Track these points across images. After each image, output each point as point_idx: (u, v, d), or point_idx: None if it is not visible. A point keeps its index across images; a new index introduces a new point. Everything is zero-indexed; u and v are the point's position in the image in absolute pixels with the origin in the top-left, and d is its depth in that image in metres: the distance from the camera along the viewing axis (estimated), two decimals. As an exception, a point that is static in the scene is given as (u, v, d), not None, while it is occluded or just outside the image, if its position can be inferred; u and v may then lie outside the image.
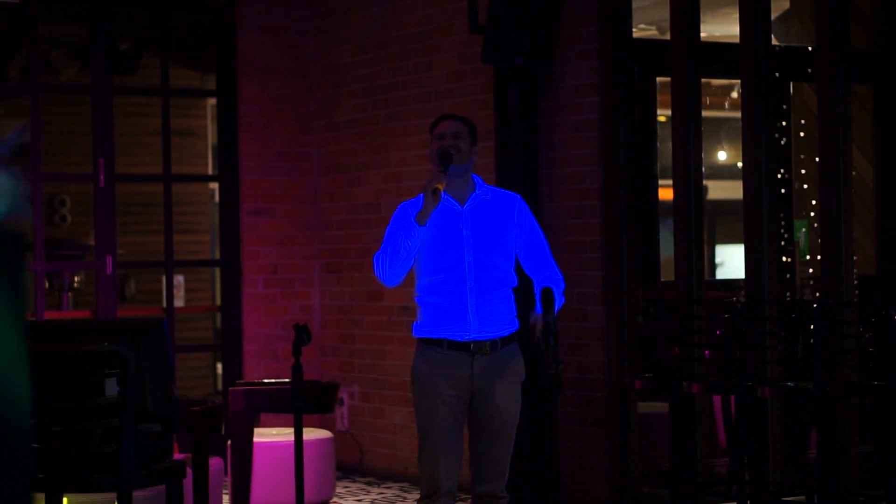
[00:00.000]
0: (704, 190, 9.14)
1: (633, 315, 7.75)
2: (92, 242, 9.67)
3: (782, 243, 8.71)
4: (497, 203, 5.48)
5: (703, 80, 7.69)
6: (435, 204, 5.32)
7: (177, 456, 6.07)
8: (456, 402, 5.40)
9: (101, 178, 9.13)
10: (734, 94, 12.00)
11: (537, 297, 5.32)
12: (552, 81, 7.92)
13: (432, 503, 5.39)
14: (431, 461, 5.39)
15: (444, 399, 5.38)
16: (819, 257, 8.39)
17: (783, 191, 8.76)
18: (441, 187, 5.28)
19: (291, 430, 6.02)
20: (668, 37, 7.77)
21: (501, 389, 5.42)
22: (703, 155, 7.65)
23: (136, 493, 5.38)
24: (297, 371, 5.65)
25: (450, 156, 5.37)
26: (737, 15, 7.45)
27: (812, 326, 6.75)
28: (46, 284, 10.08)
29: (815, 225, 8.92)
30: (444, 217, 5.42)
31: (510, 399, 5.46)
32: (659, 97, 8.54)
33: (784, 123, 8.90)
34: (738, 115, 7.65)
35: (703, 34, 7.67)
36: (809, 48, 8.57)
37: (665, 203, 8.47)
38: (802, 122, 9.20)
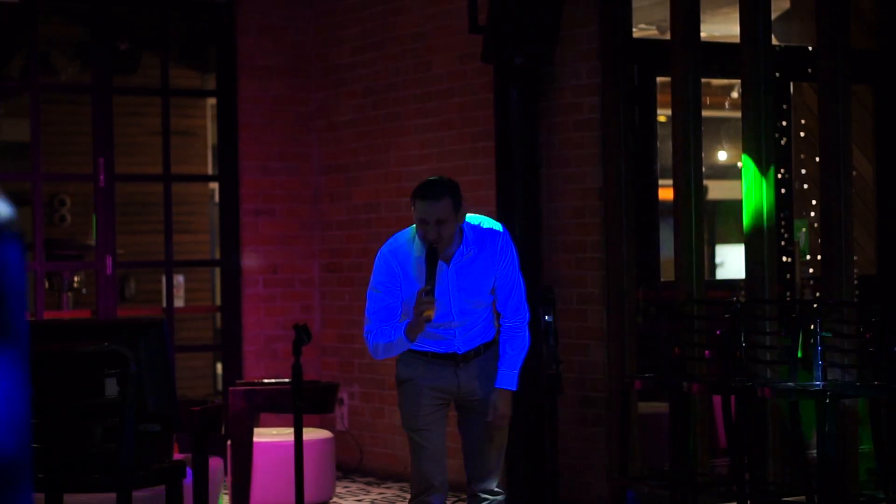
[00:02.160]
0: (704, 190, 9.13)
1: (633, 315, 7.75)
2: (92, 242, 9.67)
3: (782, 243, 8.71)
4: (481, 252, 5.45)
5: (703, 80, 7.68)
6: (425, 325, 5.32)
7: (177, 456, 6.07)
8: (440, 404, 5.51)
9: (101, 177, 9.12)
10: (734, 94, 12.00)
11: (500, 359, 5.49)
12: (552, 81, 7.91)
13: (427, 497, 5.47)
14: (424, 460, 5.48)
15: (429, 400, 5.48)
16: (819, 257, 8.38)
17: (783, 191, 8.76)
18: (431, 314, 5.26)
19: (291, 430, 6.01)
20: (668, 37, 7.76)
21: (491, 388, 5.50)
22: (703, 155, 7.64)
23: (136, 493, 5.38)
24: (297, 371, 5.65)
25: (436, 255, 5.35)
26: (737, 15, 7.45)
27: (812, 326, 6.75)
28: (46, 284, 10.08)
29: (815, 225, 8.91)
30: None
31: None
32: (659, 97, 8.53)
33: (784, 123, 8.89)
34: (738, 115, 7.65)
35: (703, 34, 7.66)
36: (809, 48, 8.57)
37: (665, 203, 8.46)
38: (802, 122, 9.19)
